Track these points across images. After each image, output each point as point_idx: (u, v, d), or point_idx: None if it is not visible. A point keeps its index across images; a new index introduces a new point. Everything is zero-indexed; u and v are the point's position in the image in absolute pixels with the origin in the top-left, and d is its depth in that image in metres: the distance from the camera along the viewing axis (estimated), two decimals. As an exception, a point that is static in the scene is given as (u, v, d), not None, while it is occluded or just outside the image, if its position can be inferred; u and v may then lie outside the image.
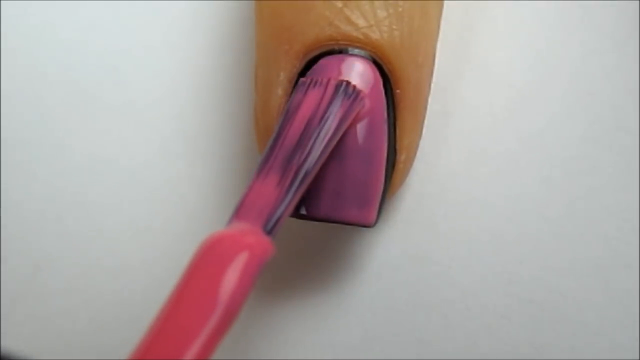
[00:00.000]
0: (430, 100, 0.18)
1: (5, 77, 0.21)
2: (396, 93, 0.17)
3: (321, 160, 0.15)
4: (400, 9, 0.16)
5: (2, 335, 0.19)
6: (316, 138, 0.15)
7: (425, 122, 0.18)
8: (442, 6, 0.18)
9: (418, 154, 0.19)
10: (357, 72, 0.16)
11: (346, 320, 0.19)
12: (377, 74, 0.16)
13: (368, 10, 0.16)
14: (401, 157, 0.17)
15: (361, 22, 0.16)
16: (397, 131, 0.17)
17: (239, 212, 0.14)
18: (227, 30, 0.21)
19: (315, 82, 0.16)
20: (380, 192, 0.17)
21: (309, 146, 0.15)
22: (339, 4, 0.16)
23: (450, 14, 0.19)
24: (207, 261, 0.13)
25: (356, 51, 0.16)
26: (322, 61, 0.16)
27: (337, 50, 0.16)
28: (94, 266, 0.19)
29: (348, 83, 0.16)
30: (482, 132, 0.19)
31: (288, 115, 0.15)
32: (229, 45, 0.20)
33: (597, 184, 0.18)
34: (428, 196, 0.19)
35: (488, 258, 0.18)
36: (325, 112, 0.15)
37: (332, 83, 0.16)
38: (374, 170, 0.17)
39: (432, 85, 0.18)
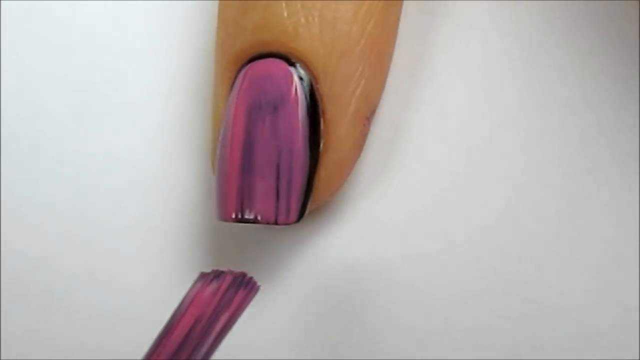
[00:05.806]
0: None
1: (6, 78, 0.21)
2: (316, 88, 0.17)
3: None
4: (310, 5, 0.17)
5: (2, 335, 0.19)
6: (198, 343, 0.14)
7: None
8: None
9: (416, 155, 0.19)
10: (270, 74, 0.17)
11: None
12: (290, 72, 0.17)
13: (277, 13, 0.17)
14: (328, 148, 0.17)
15: (274, 28, 0.17)
16: (322, 125, 0.17)
17: None
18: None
19: (216, 276, 0.15)
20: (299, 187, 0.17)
21: (191, 350, 0.14)
22: (257, 16, 0.17)
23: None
24: None
25: (272, 54, 0.17)
26: (243, 70, 0.17)
27: (256, 56, 0.17)
28: (94, 266, 0.19)
29: (244, 275, 0.15)
30: (481, 132, 0.19)
31: (180, 307, 0.15)
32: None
33: (597, 184, 0.18)
34: (428, 196, 0.19)
35: (488, 258, 0.18)
36: (214, 311, 0.15)
37: (229, 277, 0.15)
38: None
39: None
